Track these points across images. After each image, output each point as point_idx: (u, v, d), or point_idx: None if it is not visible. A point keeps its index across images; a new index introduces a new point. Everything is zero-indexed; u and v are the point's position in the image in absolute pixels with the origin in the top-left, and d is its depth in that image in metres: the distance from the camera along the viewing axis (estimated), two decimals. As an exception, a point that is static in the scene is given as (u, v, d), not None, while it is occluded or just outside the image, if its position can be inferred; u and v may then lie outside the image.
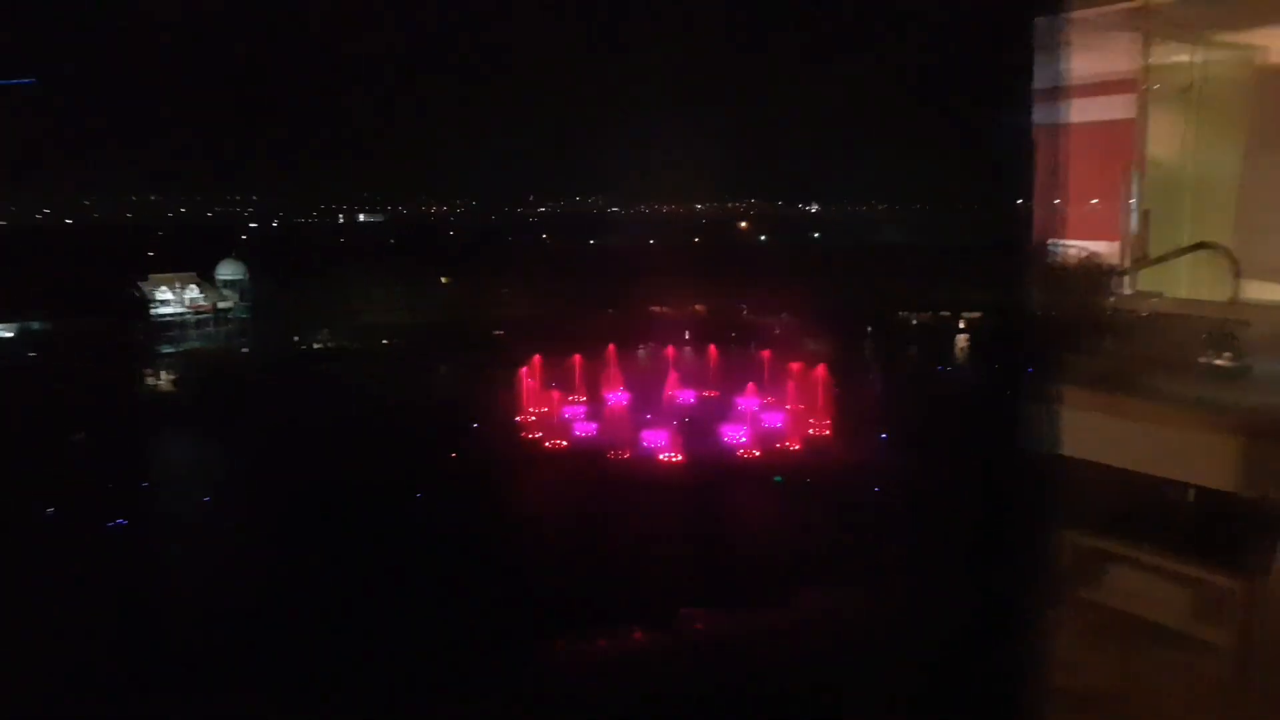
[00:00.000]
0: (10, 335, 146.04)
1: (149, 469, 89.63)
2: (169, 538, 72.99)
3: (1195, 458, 9.97)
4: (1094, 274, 12.97)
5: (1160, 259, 13.17)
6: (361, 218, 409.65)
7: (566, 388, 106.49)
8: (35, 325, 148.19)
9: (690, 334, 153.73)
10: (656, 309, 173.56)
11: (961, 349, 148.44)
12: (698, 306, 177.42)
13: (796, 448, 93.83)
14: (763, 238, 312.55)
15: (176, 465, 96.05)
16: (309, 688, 49.07)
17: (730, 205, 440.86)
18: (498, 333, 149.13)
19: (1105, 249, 13.65)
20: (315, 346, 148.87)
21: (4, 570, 64.02)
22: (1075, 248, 13.43)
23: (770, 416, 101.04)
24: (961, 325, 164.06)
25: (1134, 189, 13.95)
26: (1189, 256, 12.78)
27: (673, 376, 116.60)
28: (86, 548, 68.93)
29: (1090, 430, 10.84)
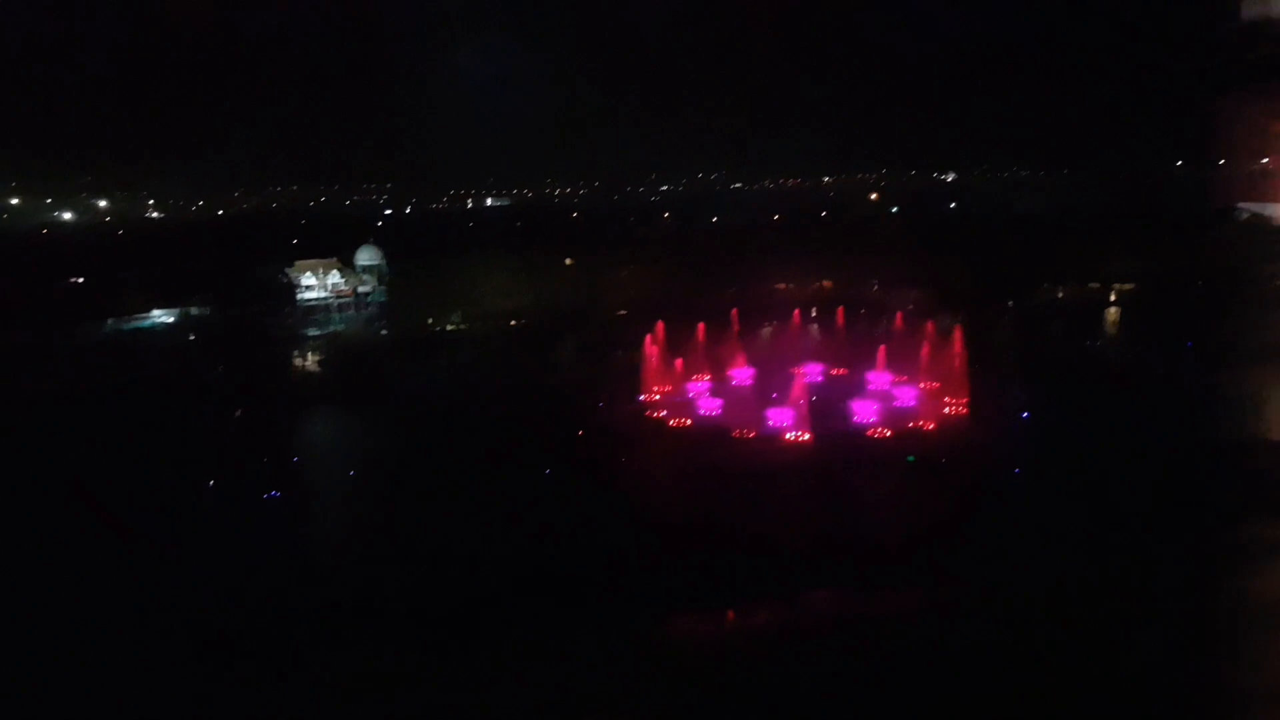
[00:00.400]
0: (171, 320, 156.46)
1: (300, 444, 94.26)
2: (317, 509, 76.71)
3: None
4: (1267, 239, 11.94)
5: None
6: (489, 202, 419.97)
7: (691, 366, 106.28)
8: (194, 310, 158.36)
9: (817, 311, 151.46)
10: (782, 286, 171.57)
11: (1112, 323, 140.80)
12: (825, 283, 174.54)
13: (930, 427, 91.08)
14: (894, 209, 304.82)
15: (324, 441, 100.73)
16: (435, 650, 51.01)
17: (860, 176, 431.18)
18: (621, 312, 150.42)
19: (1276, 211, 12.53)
20: (448, 328, 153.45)
21: (170, 537, 68.74)
22: (1247, 211, 12.42)
23: (902, 395, 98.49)
24: (1113, 298, 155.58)
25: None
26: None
27: (799, 355, 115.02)
28: (244, 518, 73.27)
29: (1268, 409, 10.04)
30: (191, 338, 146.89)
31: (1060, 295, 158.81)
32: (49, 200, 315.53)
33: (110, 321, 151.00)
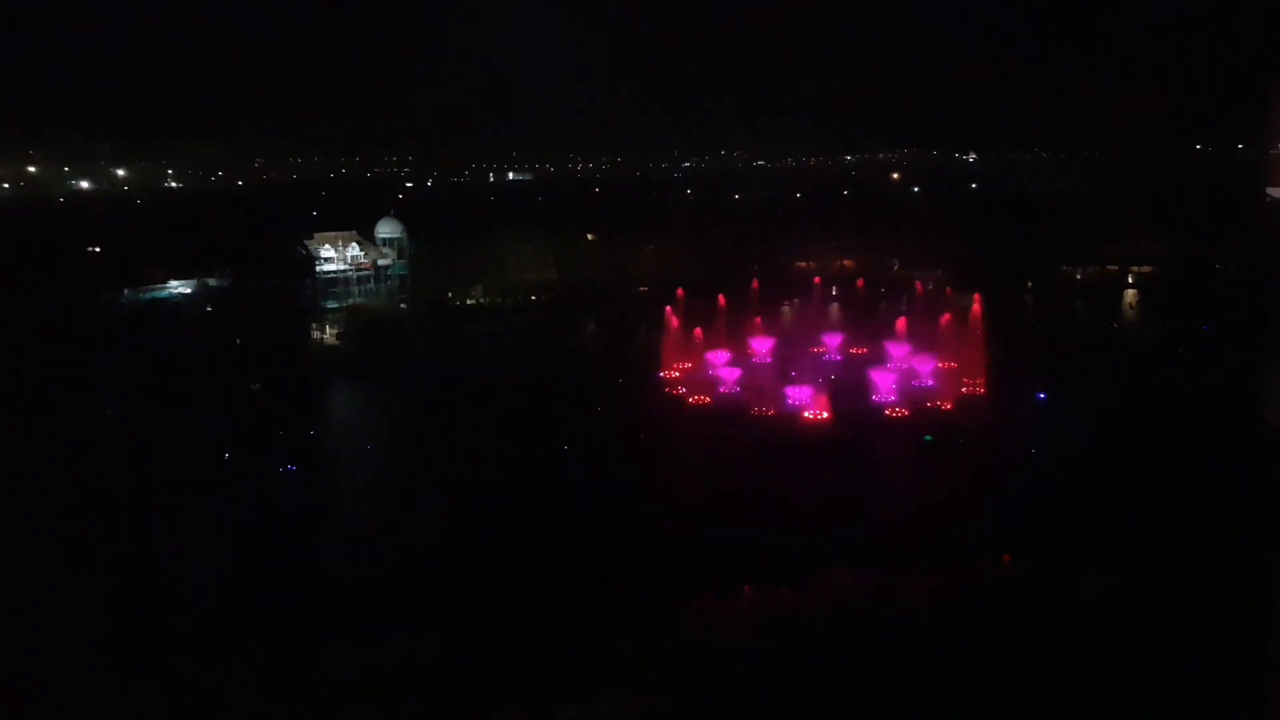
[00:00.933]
0: (189, 291, 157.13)
1: (317, 418, 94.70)
2: (333, 483, 77.04)
3: None
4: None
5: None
6: (511, 176, 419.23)
7: (711, 343, 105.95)
8: (211, 282, 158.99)
9: (838, 289, 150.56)
10: (803, 264, 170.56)
11: (1130, 304, 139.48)
12: (846, 262, 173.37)
13: (947, 406, 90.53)
14: (915, 189, 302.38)
15: (342, 415, 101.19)
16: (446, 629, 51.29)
17: (882, 156, 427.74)
18: (643, 289, 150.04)
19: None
20: (469, 302, 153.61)
21: (183, 510, 69.35)
22: (1273, 196, 12.05)
23: (920, 373, 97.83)
24: (1130, 280, 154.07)
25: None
26: None
27: (819, 333, 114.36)
28: (259, 491, 73.70)
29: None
30: (209, 309, 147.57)
31: (1079, 276, 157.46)
32: (66, 169, 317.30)
33: (127, 292, 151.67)
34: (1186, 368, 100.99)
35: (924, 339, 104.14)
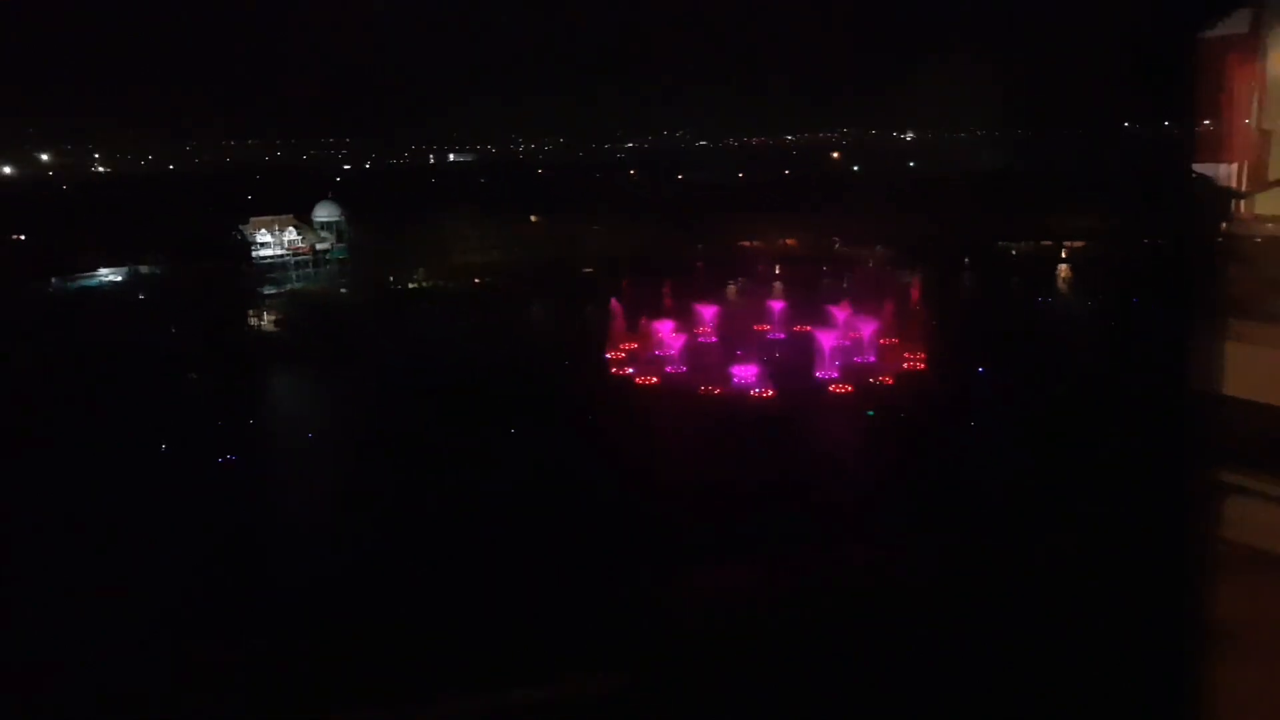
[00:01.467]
0: (119, 279, 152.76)
1: (256, 407, 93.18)
2: (274, 472, 75.99)
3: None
4: (1210, 198, 12.07)
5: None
6: (451, 158, 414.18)
7: (657, 324, 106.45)
8: (144, 269, 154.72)
9: (781, 269, 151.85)
10: (746, 244, 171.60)
11: (1064, 279, 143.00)
12: (789, 241, 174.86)
13: (889, 382, 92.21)
14: (855, 168, 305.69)
15: (282, 403, 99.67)
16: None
17: (822, 135, 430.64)
18: (587, 270, 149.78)
19: (1222, 171, 12.64)
20: (410, 286, 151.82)
21: (118, 502, 67.82)
22: (1199, 172, 12.49)
23: (862, 350, 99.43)
24: (1064, 254, 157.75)
25: (1253, 108, 12.80)
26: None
27: (763, 312, 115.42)
28: (198, 481, 72.35)
29: (1210, 360, 10.16)
30: (141, 297, 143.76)
31: (1014, 252, 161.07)
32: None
33: (54, 280, 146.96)
34: (1117, 339, 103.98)
35: (865, 316, 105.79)
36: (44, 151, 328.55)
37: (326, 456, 79.17)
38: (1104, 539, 55.20)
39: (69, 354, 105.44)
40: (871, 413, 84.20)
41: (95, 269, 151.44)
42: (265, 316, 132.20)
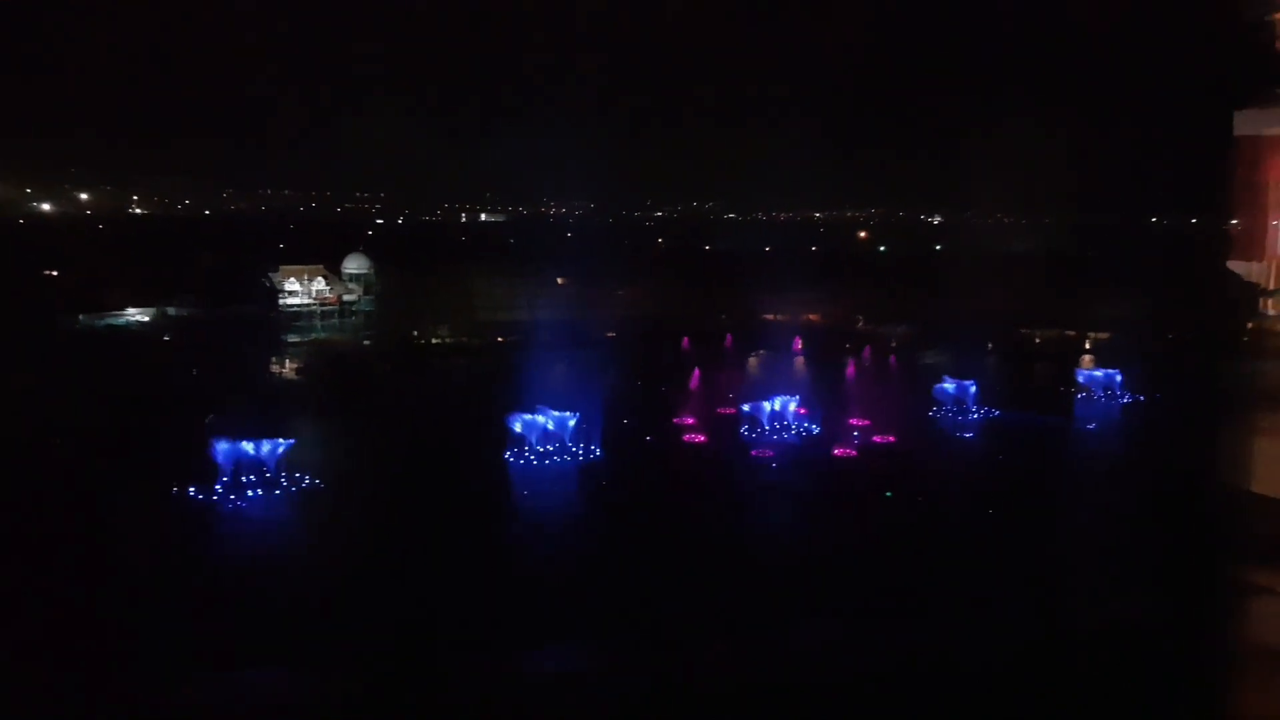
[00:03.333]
0: (147, 319, 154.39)
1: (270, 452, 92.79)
2: (278, 521, 75.53)
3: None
4: (1239, 294, 11.74)
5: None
6: (483, 217, 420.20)
7: (673, 394, 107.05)
8: (171, 310, 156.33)
9: (803, 343, 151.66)
10: (770, 317, 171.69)
11: (1086, 368, 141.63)
12: (811, 316, 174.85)
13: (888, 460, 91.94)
14: (882, 248, 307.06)
15: (297, 450, 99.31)
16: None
17: (850, 214, 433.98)
18: (610, 334, 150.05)
19: (1254, 269, 12.34)
20: (434, 341, 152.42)
21: (130, 541, 67.33)
22: (1228, 267, 12.23)
23: (863, 437, 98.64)
24: (1087, 345, 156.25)
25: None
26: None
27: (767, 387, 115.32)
28: (201, 524, 72.02)
29: (1242, 456, 9.72)
30: (166, 338, 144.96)
31: (1038, 340, 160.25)
32: (28, 190, 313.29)
33: (83, 317, 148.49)
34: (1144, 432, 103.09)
35: (877, 402, 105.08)
36: (83, 190, 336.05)
37: (338, 506, 78.69)
38: (1129, 636, 53.68)
39: (90, 390, 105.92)
40: (889, 494, 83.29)
41: (124, 308, 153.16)
42: (287, 364, 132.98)
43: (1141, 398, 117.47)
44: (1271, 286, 12.07)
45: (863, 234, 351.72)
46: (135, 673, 48.68)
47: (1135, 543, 67.02)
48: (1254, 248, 12.39)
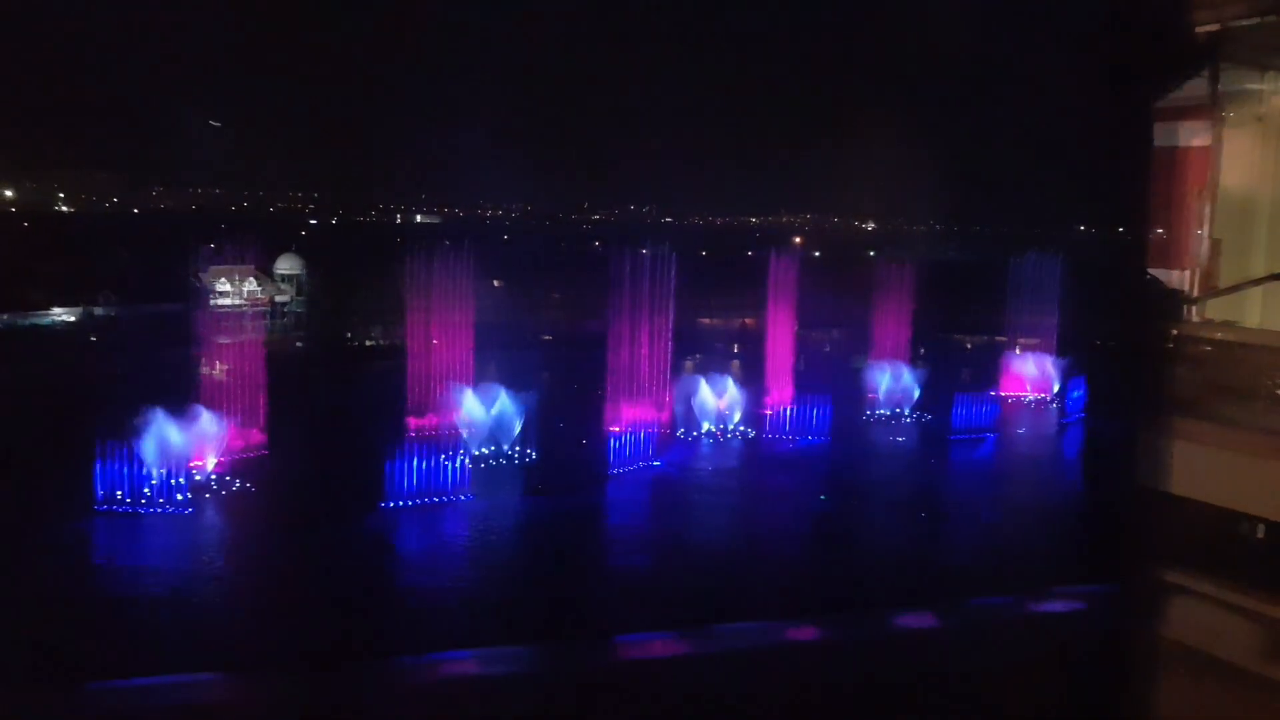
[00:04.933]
0: (72, 319, 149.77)
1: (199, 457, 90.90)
2: (211, 524, 74.24)
3: (1267, 489, 9.43)
4: (1161, 302, 12.46)
5: (1231, 289, 12.57)
6: (418, 218, 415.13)
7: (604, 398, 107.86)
8: (98, 310, 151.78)
9: (738, 347, 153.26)
10: (706, 320, 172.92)
11: (1010, 374, 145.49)
12: (747, 320, 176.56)
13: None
14: (816, 253, 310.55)
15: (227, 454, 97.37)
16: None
17: (786, 219, 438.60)
18: (546, 337, 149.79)
19: (1175, 277, 13.09)
20: (367, 343, 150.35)
21: (54, 549, 65.59)
22: (1150, 275, 12.94)
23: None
24: (1018, 350, 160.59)
25: (1205, 217, 13.33)
26: (1263, 287, 12.17)
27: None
28: (133, 529, 70.36)
29: (1155, 459, 10.35)
30: (93, 339, 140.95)
31: (969, 346, 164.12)
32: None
33: (4, 316, 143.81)
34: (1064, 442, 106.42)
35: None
36: (6, 188, 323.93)
37: (268, 508, 77.51)
38: (1043, 634, 55.37)
39: (7, 392, 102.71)
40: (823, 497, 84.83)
41: (49, 307, 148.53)
42: (217, 365, 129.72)
43: (1067, 403, 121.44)
44: (1195, 294, 12.80)
45: (798, 239, 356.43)
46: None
47: (1056, 544, 69.18)
48: (1176, 256, 13.11)
